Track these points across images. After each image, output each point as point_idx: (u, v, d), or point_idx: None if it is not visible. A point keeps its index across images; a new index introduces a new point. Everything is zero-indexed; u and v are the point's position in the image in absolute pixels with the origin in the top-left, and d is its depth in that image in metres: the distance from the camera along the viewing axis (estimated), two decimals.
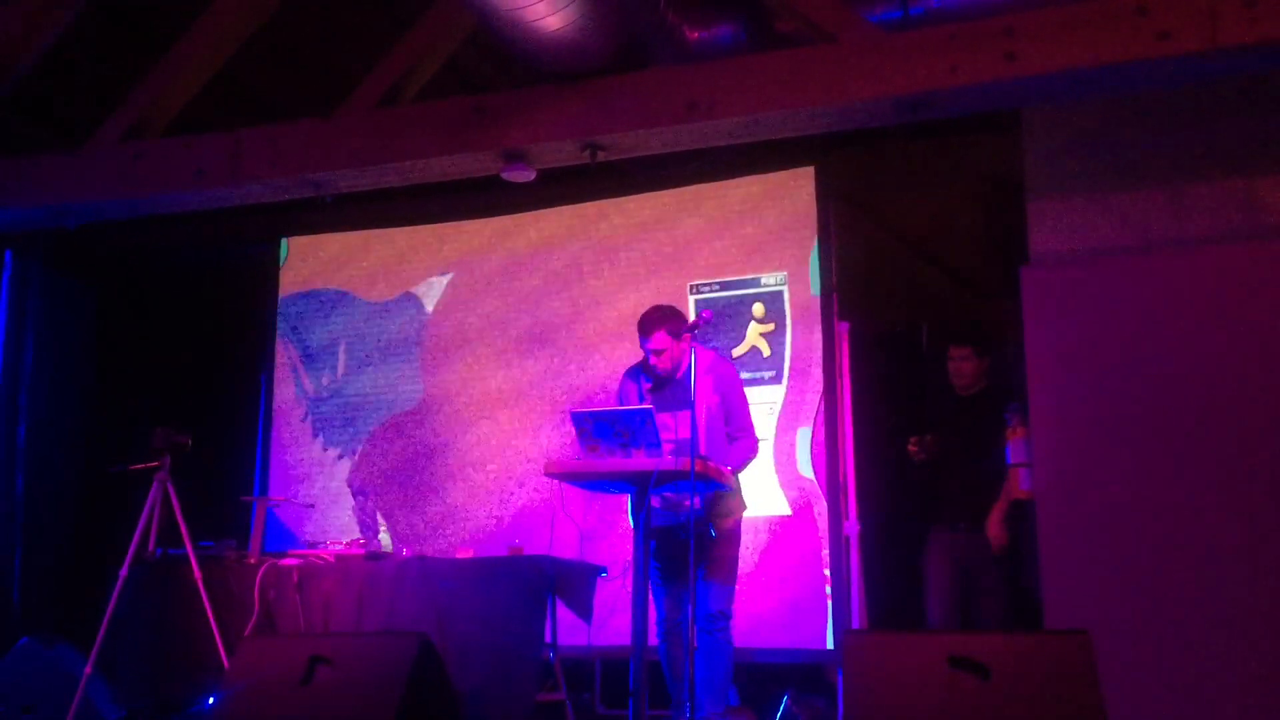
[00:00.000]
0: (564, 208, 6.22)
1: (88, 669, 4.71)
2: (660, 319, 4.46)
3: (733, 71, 4.42)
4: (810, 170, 5.68)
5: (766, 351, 5.60)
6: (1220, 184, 4.51)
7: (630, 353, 5.77)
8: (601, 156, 4.70)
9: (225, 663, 4.59)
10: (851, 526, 5.13)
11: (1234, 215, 4.46)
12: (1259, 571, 4.23)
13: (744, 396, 4.62)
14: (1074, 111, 4.72)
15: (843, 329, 5.36)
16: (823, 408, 5.41)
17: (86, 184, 5.22)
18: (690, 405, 4.38)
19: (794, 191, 5.71)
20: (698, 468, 3.95)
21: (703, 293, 5.81)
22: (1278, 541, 4.23)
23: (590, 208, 6.17)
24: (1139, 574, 4.39)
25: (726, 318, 5.72)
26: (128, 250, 6.88)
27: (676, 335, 4.39)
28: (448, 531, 6.13)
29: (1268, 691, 4.14)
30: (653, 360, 4.47)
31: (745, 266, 5.76)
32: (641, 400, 4.50)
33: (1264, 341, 4.35)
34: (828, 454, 5.32)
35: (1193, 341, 4.43)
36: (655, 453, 4.04)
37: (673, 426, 4.29)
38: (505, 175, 4.87)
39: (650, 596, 4.47)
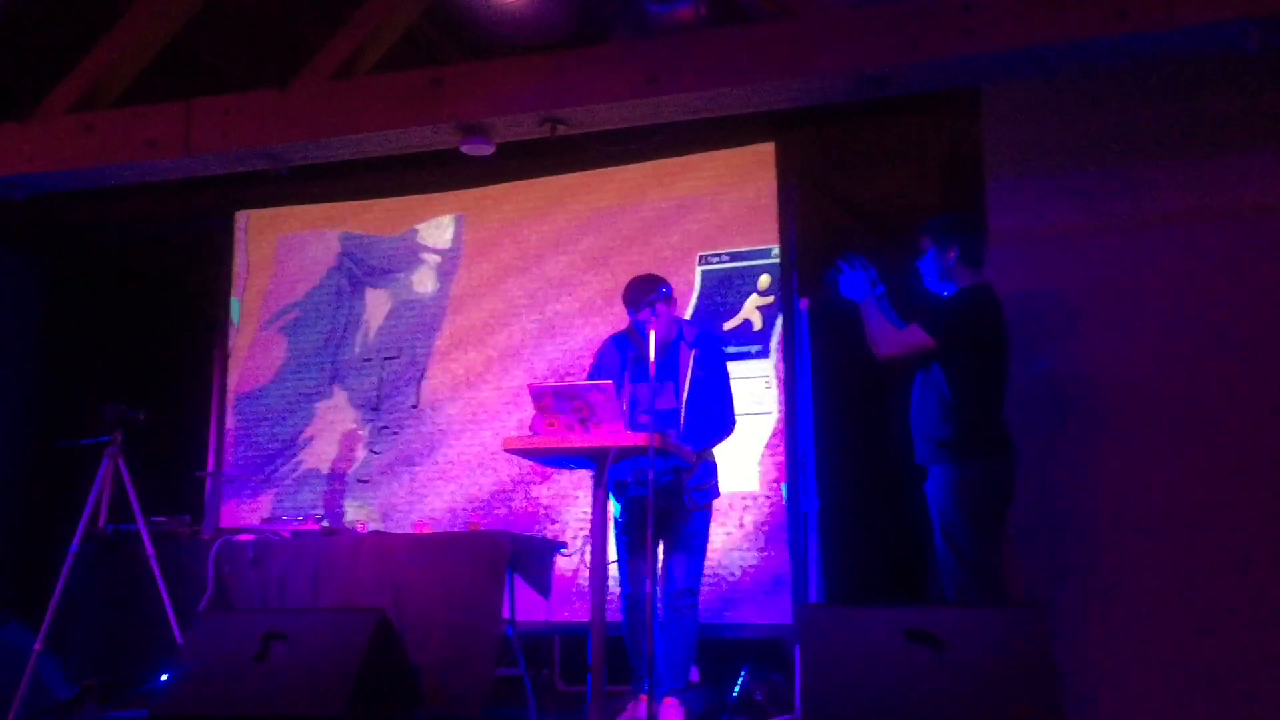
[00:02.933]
0: (532, 182, 6.17)
1: (38, 646, 4.64)
2: (648, 286, 4.44)
3: (694, 45, 4.40)
4: (770, 147, 5.68)
5: (759, 324, 5.57)
6: (1179, 164, 4.55)
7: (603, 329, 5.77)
8: (561, 130, 4.67)
9: (179, 639, 4.55)
10: (810, 503, 5.15)
11: (1192, 195, 4.51)
12: (1213, 548, 4.29)
13: (726, 375, 4.59)
14: (1034, 90, 4.74)
15: (802, 305, 5.37)
16: (783, 385, 5.42)
17: (36, 155, 5.11)
18: (672, 378, 4.38)
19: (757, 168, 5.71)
20: (656, 442, 3.94)
21: (711, 264, 5.76)
22: (1237, 515, 4.29)
23: (555, 183, 6.12)
24: (1090, 551, 4.44)
25: (732, 289, 5.68)
26: (78, 223, 6.76)
27: (665, 303, 4.38)
28: (414, 508, 6.08)
29: (1227, 665, 4.21)
30: (639, 328, 4.45)
31: (716, 241, 5.73)
32: (624, 370, 4.48)
33: (1221, 321, 4.40)
34: (786, 430, 5.34)
35: (1150, 320, 4.48)
36: (615, 428, 4.02)
37: (654, 398, 4.25)
38: (464, 149, 4.83)
39: (617, 570, 4.47)
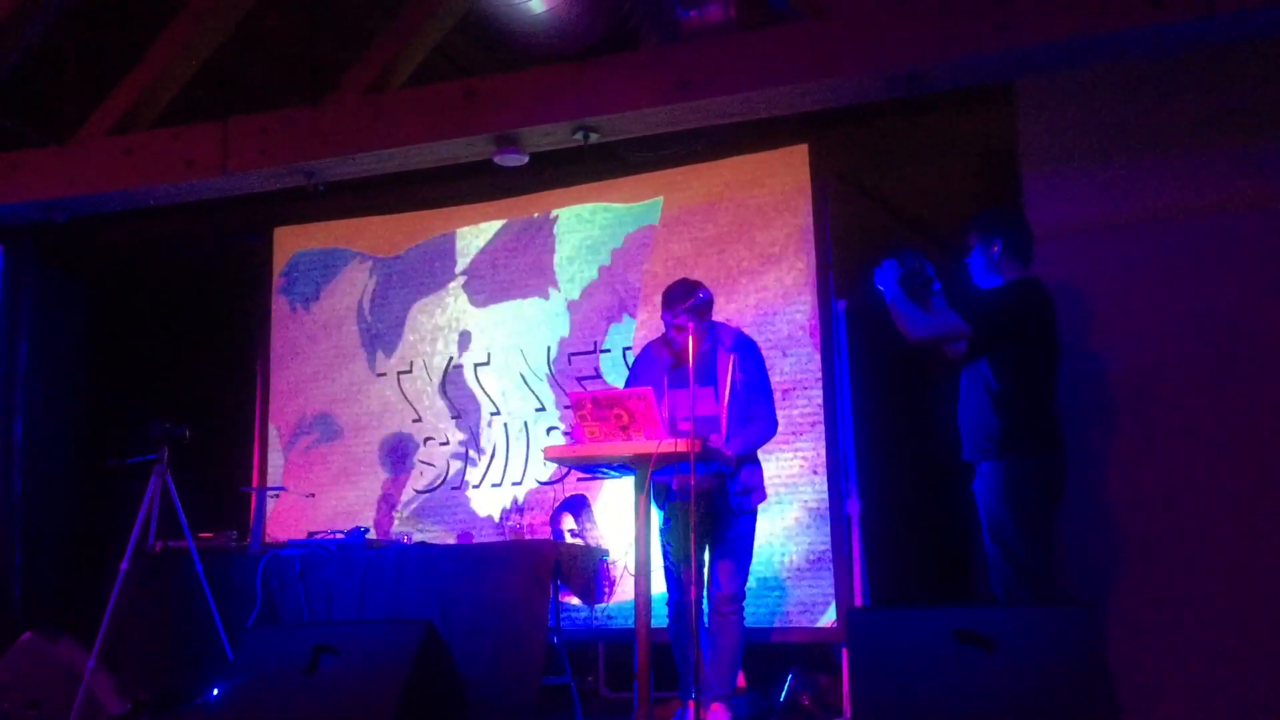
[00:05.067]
0: (564, 190, 6.18)
1: (91, 663, 4.70)
2: (685, 292, 4.44)
3: (724, 49, 4.40)
4: (804, 148, 5.65)
5: None
6: (1218, 153, 4.47)
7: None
8: (594, 138, 4.68)
9: (229, 654, 4.59)
10: (853, 504, 5.13)
11: (1233, 183, 4.44)
12: (1270, 545, 4.22)
13: (766, 377, 4.59)
14: (1069, 82, 4.69)
15: (839, 306, 5.35)
16: (823, 387, 5.39)
17: (76, 178, 5.20)
18: (711, 383, 4.36)
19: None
20: (696, 448, 3.93)
21: None
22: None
23: (590, 189, 6.13)
24: (1143, 550, 4.38)
25: None
26: (121, 243, 6.84)
27: (699, 310, 4.37)
28: (459, 518, 6.10)
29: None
30: (673, 334, 4.45)
31: (748, 242, 5.72)
32: (663, 377, 4.47)
33: (1270, 310, 4.33)
34: (827, 432, 5.31)
35: (1197, 314, 4.41)
36: (655, 434, 4.02)
37: (693, 403, 4.23)
38: (497, 159, 4.86)
39: (665, 578, 4.46)
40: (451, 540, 5.54)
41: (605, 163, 5.87)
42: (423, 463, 6.22)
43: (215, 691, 4.14)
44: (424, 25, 4.99)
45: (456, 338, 6.28)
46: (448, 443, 6.19)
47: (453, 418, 6.20)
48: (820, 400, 5.38)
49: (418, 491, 6.19)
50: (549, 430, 5.98)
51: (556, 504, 5.44)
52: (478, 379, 6.19)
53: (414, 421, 6.28)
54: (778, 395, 5.40)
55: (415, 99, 4.82)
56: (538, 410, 6.02)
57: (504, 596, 4.59)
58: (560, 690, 4.73)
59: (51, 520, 6.58)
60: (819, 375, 5.40)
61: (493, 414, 6.12)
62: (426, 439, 6.24)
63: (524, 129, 4.66)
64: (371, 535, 5.28)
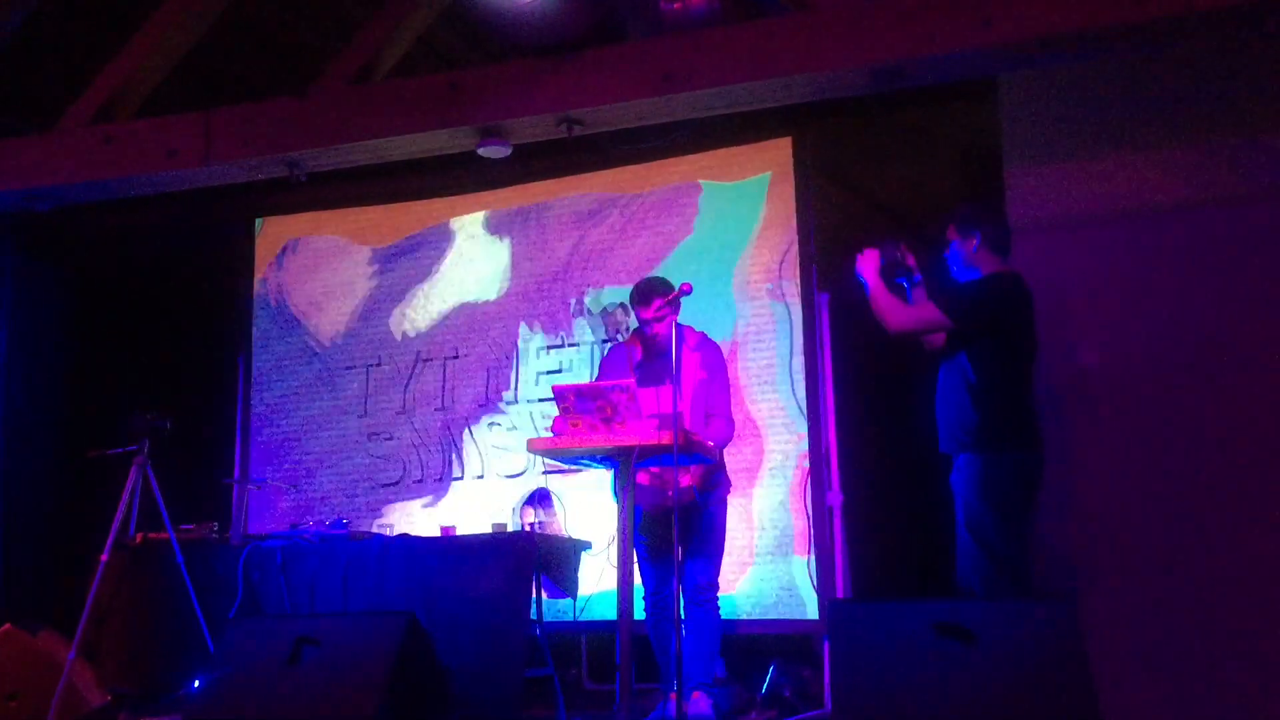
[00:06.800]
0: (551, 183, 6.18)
1: (71, 655, 4.68)
2: (658, 288, 4.44)
3: (709, 43, 4.41)
4: (787, 141, 5.66)
5: None
6: (1200, 148, 4.51)
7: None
8: (577, 130, 4.69)
9: (210, 646, 4.59)
10: (835, 497, 5.15)
11: (1214, 179, 4.47)
12: (1244, 540, 4.26)
13: (727, 378, 4.63)
14: (1051, 78, 4.71)
15: (823, 300, 5.36)
16: (805, 380, 5.41)
17: (57, 167, 5.17)
18: (674, 382, 4.37)
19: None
20: (680, 440, 3.94)
21: None
22: (1272, 508, 4.25)
23: (570, 181, 6.13)
24: (1119, 544, 4.41)
25: None
26: (103, 233, 6.81)
27: (674, 306, 4.38)
28: (443, 510, 6.10)
29: (1254, 660, 4.17)
30: (652, 329, 4.46)
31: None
32: (631, 375, 4.48)
33: (1247, 306, 4.36)
34: (810, 425, 5.33)
35: (1174, 307, 4.45)
36: (639, 427, 4.02)
37: (659, 400, 4.26)
38: (482, 151, 4.87)
39: (637, 571, 4.48)
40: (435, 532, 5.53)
41: (586, 154, 5.87)
42: (403, 455, 6.21)
43: (196, 683, 4.13)
44: (408, 16, 4.98)
45: (429, 333, 6.28)
46: (422, 438, 6.20)
47: (406, 410, 6.21)
48: (803, 392, 5.39)
49: (395, 484, 6.19)
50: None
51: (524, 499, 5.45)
52: (448, 373, 6.20)
53: (374, 417, 6.29)
54: (755, 389, 5.43)
55: (399, 90, 4.82)
56: (509, 403, 6.04)
57: (487, 589, 4.59)
58: (543, 682, 4.73)
59: (32, 511, 6.55)
60: (801, 367, 5.41)
61: (464, 410, 6.13)
62: (401, 433, 6.25)
63: (508, 121, 4.66)
64: (352, 527, 5.26)
